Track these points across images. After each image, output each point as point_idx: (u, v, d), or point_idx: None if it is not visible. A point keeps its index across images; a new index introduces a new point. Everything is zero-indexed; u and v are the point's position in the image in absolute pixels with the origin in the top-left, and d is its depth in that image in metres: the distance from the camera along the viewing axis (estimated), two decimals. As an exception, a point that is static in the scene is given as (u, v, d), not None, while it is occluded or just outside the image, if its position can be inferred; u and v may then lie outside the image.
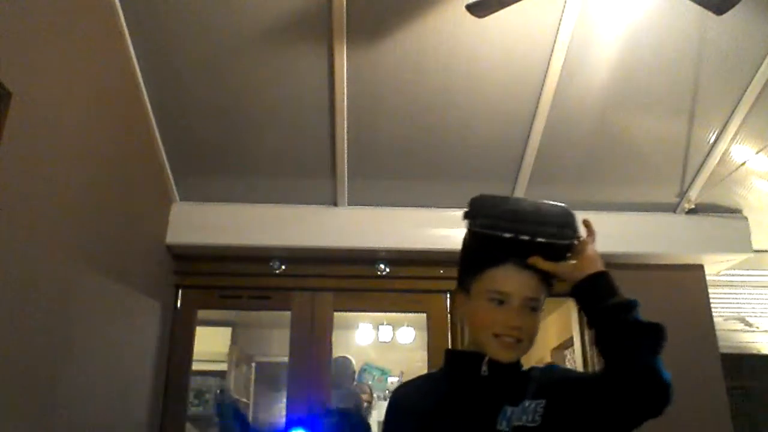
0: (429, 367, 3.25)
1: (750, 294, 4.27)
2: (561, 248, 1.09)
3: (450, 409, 1.09)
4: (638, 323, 0.95)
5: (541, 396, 1.04)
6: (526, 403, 1.03)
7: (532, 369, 1.14)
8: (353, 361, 4.65)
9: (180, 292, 3.20)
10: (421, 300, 3.32)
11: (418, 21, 2.37)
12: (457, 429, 1.06)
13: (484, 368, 1.09)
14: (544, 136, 2.83)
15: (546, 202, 1.18)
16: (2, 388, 1.61)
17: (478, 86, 2.64)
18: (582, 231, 1.14)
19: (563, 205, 1.17)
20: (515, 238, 1.07)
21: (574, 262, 1.07)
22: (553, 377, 1.09)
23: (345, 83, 2.57)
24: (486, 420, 1.03)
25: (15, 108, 1.58)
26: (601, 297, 1.00)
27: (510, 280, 1.08)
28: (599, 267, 1.04)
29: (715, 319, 3.25)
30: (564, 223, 1.12)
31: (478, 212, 1.13)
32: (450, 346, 3.24)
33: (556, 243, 1.08)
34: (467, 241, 1.19)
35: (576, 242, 1.10)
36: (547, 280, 1.11)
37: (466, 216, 1.16)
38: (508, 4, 1.99)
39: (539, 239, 1.07)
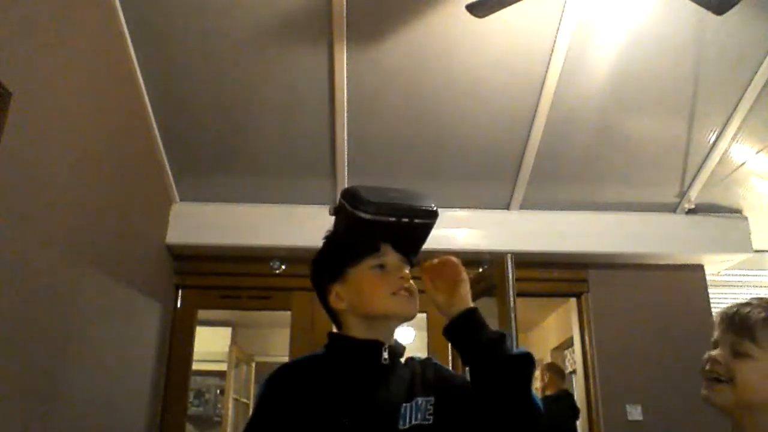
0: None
1: (750, 294, 4.27)
2: (425, 230, 1.21)
3: (348, 402, 1.05)
4: (510, 357, 1.03)
5: (429, 393, 1.09)
6: (419, 401, 1.07)
7: (411, 359, 1.19)
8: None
9: (180, 292, 3.21)
10: (421, 300, 3.31)
11: (418, 21, 2.37)
12: (360, 426, 1.03)
13: (385, 355, 1.11)
14: (544, 136, 2.83)
15: (407, 188, 1.25)
16: (2, 388, 1.61)
17: (478, 86, 2.64)
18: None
19: (420, 191, 1.26)
20: (398, 222, 1.16)
21: (449, 297, 1.17)
22: (437, 375, 1.15)
23: (345, 83, 2.57)
24: (389, 417, 1.04)
25: (15, 108, 1.58)
26: (474, 334, 1.08)
27: (388, 255, 1.15)
28: (469, 304, 1.13)
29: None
30: (428, 206, 1.21)
31: (358, 201, 1.16)
32: (450, 347, 3.24)
33: (429, 222, 1.20)
34: (340, 234, 1.22)
35: (432, 222, 1.22)
36: (412, 262, 1.21)
37: (339, 209, 1.20)
38: (508, 4, 1.99)
39: (417, 221, 1.18)
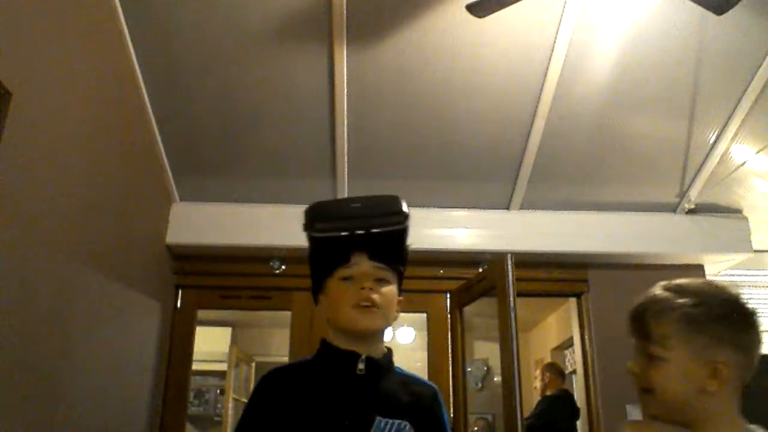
0: (429, 366, 3.25)
1: (750, 294, 4.27)
2: (395, 234, 1.18)
3: (322, 410, 1.08)
4: None
5: (410, 418, 1.09)
6: (400, 424, 1.07)
7: (399, 373, 1.19)
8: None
9: (180, 292, 3.21)
10: (421, 300, 3.32)
11: (418, 21, 2.37)
12: (325, 427, 1.06)
13: (361, 366, 1.11)
14: (544, 136, 2.83)
15: (374, 195, 1.23)
16: (2, 387, 1.61)
17: (479, 86, 2.64)
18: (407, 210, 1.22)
19: (390, 194, 1.23)
20: (352, 235, 1.15)
21: None
22: (423, 403, 1.15)
23: (345, 83, 2.57)
24: (358, 427, 1.05)
25: (15, 108, 1.58)
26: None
27: (355, 267, 1.14)
28: None
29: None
30: (392, 211, 1.19)
31: (314, 220, 1.19)
32: (450, 347, 3.24)
33: (388, 230, 1.17)
34: (311, 250, 1.23)
35: (406, 225, 1.20)
36: (394, 267, 1.19)
37: (304, 227, 1.21)
38: (508, 4, 1.99)
39: (373, 230, 1.16)
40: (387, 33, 2.41)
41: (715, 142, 2.91)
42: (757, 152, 2.91)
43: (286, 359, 3.22)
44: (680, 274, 3.44)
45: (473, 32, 2.41)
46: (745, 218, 3.26)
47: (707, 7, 1.91)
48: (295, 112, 2.74)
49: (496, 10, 2.03)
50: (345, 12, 2.31)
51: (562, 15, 2.36)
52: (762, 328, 0.96)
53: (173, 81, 2.59)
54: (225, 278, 3.24)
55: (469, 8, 2.03)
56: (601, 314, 3.24)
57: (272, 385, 1.15)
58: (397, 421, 1.07)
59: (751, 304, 0.96)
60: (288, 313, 3.26)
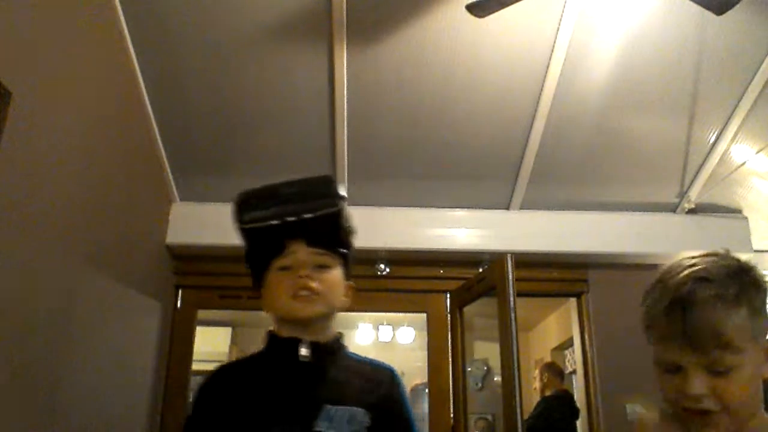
0: (429, 367, 3.25)
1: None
2: (331, 217, 1.13)
3: (266, 401, 1.03)
4: None
5: (365, 404, 1.04)
6: (354, 410, 1.02)
7: (355, 358, 1.14)
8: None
9: (180, 292, 3.21)
10: (421, 300, 3.32)
11: (418, 21, 2.37)
12: (271, 424, 1.00)
13: (304, 352, 1.07)
14: (544, 136, 2.83)
15: (306, 177, 1.18)
16: (2, 388, 1.61)
17: (478, 86, 2.64)
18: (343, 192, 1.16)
19: (324, 175, 1.19)
20: (284, 223, 1.10)
21: None
22: (380, 388, 1.09)
23: (345, 83, 2.57)
24: (304, 416, 1.00)
25: (15, 108, 1.58)
26: None
27: (292, 256, 1.10)
28: None
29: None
30: (325, 193, 1.14)
31: (243, 210, 1.12)
32: (450, 347, 3.24)
33: (321, 215, 1.11)
34: (245, 243, 1.17)
35: (341, 206, 1.14)
36: (337, 251, 1.14)
37: (234, 219, 1.15)
38: (508, 4, 1.99)
39: (305, 216, 1.10)
40: (387, 33, 2.41)
41: (715, 142, 2.91)
42: (757, 152, 2.91)
43: (286, 359, 3.22)
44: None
45: (473, 32, 2.41)
46: (745, 218, 3.26)
47: (707, 7, 1.91)
48: (295, 112, 2.74)
49: (496, 10, 2.03)
50: (345, 12, 2.31)
51: (562, 15, 2.36)
52: None
53: (173, 81, 2.59)
54: (225, 278, 3.23)
55: (469, 8, 2.03)
56: (601, 314, 3.24)
57: (214, 383, 1.12)
58: (348, 408, 1.01)
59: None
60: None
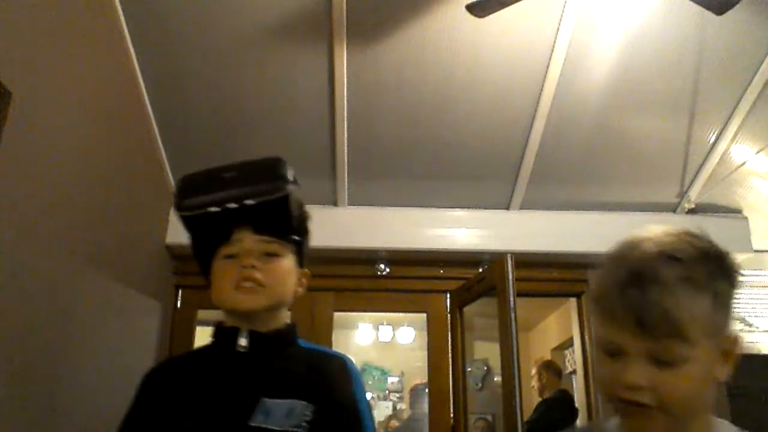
0: (429, 367, 3.25)
1: (750, 294, 4.27)
2: (279, 202, 1.05)
3: (202, 393, 0.98)
4: None
5: (310, 398, 0.95)
6: (294, 403, 0.94)
7: (307, 348, 1.07)
8: (353, 361, 4.65)
9: (180, 292, 3.21)
10: (421, 300, 3.32)
11: (418, 21, 2.37)
12: (205, 417, 0.95)
13: (243, 342, 1.01)
14: (544, 136, 2.83)
15: (251, 160, 1.10)
16: (2, 388, 1.61)
17: (479, 86, 2.64)
18: (291, 175, 1.08)
19: (271, 157, 1.10)
20: (225, 210, 1.03)
21: None
22: (327, 379, 1.00)
23: (345, 83, 2.57)
24: (240, 410, 0.93)
25: (15, 108, 1.58)
26: None
27: (238, 244, 1.03)
28: None
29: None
30: (271, 177, 1.05)
31: (182, 197, 1.07)
32: (450, 347, 3.24)
33: (266, 200, 1.03)
34: (187, 230, 1.11)
35: (289, 191, 1.05)
36: (288, 239, 1.07)
37: (173, 206, 1.09)
38: (508, 4, 1.99)
39: (247, 202, 1.03)
40: (387, 33, 2.41)
41: (715, 142, 2.91)
42: (757, 152, 2.91)
43: (286, 359, 3.23)
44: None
45: (473, 32, 2.41)
46: (745, 218, 3.26)
47: (707, 7, 1.91)
48: (295, 112, 2.74)
49: (496, 10, 2.03)
50: (345, 12, 2.31)
51: (562, 15, 2.36)
52: None
53: (173, 81, 2.59)
54: (225, 278, 3.24)
55: (469, 8, 2.03)
56: (601, 314, 3.24)
57: (155, 375, 1.09)
58: (287, 402, 0.94)
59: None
60: (288, 314, 3.25)
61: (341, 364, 1.05)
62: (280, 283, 1.05)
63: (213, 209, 1.03)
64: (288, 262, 1.07)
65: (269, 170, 1.06)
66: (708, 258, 0.74)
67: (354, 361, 1.05)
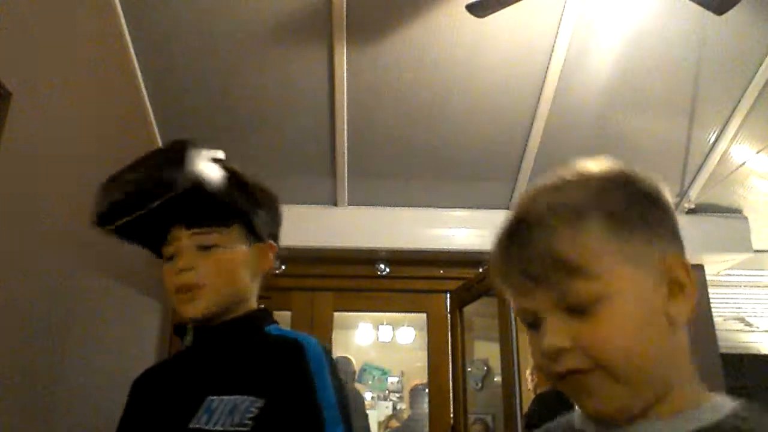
0: (429, 367, 3.25)
1: (750, 294, 4.27)
2: (194, 191, 0.91)
3: (157, 396, 0.95)
4: None
5: (259, 391, 0.84)
6: (239, 399, 0.84)
7: (271, 334, 0.96)
8: (353, 361, 4.66)
9: (180, 292, 3.20)
10: (421, 300, 3.32)
11: (419, 21, 2.37)
12: (151, 421, 0.91)
13: (188, 338, 0.96)
14: (544, 136, 2.83)
15: (153, 152, 1.00)
16: (2, 387, 1.61)
17: (479, 86, 2.64)
18: (208, 160, 0.96)
19: (175, 142, 0.97)
20: (124, 222, 0.94)
21: None
22: (280, 371, 0.87)
23: (345, 83, 2.58)
24: (185, 410, 0.86)
25: (15, 108, 1.58)
26: None
27: (175, 243, 0.95)
28: None
29: (715, 319, 3.26)
30: (178, 168, 0.91)
31: (96, 208, 0.98)
32: (450, 347, 3.24)
33: (187, 192, 0.90)
34: (125, 240, 1.05)
35: (201, 182, 0.91)
36: (227, 222, 0.96)
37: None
38: (508, 4, 1.99)
39: (150, 205, 0.90)
40: (387, 33, 2.41)
41: (715, 142, 2.91)
42: (757, 152, 2.91)
43: (286, 359, 3.23)
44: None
45: (473, 32, 2.41)
46: (745, 218, 3.26)
47: (707, 7, 1.91)
48: (294, 112, 2.74)
49: (496, 10, 2.03)
50: (345, 12, 2.31)
51: (562, 15, 2.36)
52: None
53: (173, 81, 2.59)
54: (225, 278, 3.24)
55: (469, 8, 2.03)
56: (601, 314, 3.24)
57: (138, 381, 1.07)
58: (231, 398, 0.84)
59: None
60: (288, 313, 3.26)
61: (297, 347, 0.89)
62: (224, 276, 0.94)
63: (122, 220, 0.95)
64: (233, 250, 0.96)
65: (174, 161, 0.92)
66: (589, 180, 0.64)
67: (319, 345, 0.91)
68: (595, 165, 0.68)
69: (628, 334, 0.55)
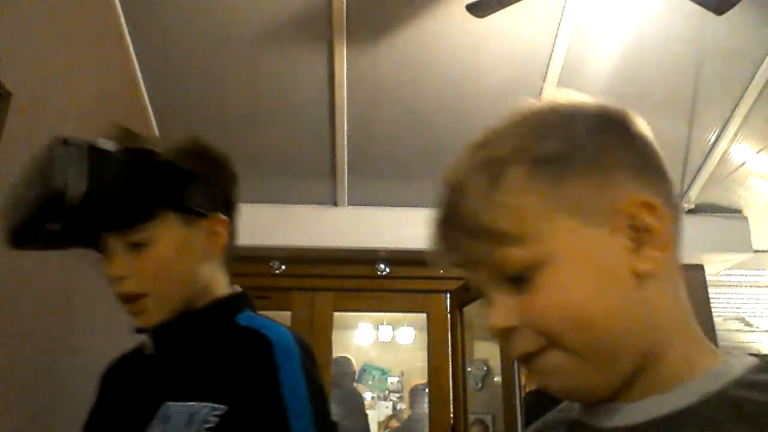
0: (429, 367, 3.25)
1: (750, 294, 4.27)
2: (101, 193, 0.80)
3: (117, 402, 0.89)
4: None
5: (223, 398, 0.75)
6: (195, 408, 0.75)
7: (240, 326, 0.84)
8: (353, 361, 4.66)
9: (180, 292, 3.20)
10: (421, 300, 3.32)
11: (419, 21, 2.37)
12: (111, 424, 0.86)
13: (148, 344, 0.88)
14: (544, 136, 2.83)
15: (32, 161, 0.89)
16: (2, 387, 1.61)
17: (478, 86, 2.64)
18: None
19: (49, 145, 0.85)
20: (19, 245, 0.84)
21: None
22: (245, 371, 0.77)
23: (345, 83, 2.58)
24: (141, 418, 0.79)
25: (15, 108, 1.58)
26: None
27: (108, 251, 0.86)
28: None
29: (715, 319, 3.26)
30: (47, 181, 0.79)
31: (4, 232, 0.86)
32: (450, 347, 3.24)
33: (91, 201, 0.78)
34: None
35: (93, 187, 0.79)
36: (153, 215, 0.84)
37: None
38: (508, 4, 1.99)
39: (53, 225, 0.81)
40: (387, 33, 2.41)
41: (715, 142, 2.91)
42: (757, 152, 2.91)
43: (286, 359, 3.23)
44: (680, 274, 3.41)
45: (473, 32, 2.41)
46: (745, 218, 3.26)
47: (707, 7, 1.91)
48: (295, 112, 2.74)
49: (497, 10, 2.03)
50: (345, 12, 2.31)
51: (562, 15, 2.36)
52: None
53: (173, 81, 2.59)
54: (225, 278, 3.24)
55: (469, 8, 2.03)
56: (601, 314, 3.24)
57: (106, 375, 1.01)
58: (190, 405, 0.76)
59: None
60: (288, 313, 3.26)
61: (263, 345, 0.78)
62: (164, 278, 0.84)
63: (37, 244, 0.86)
64: (167, 243, 0.84)
65: (45, 174, 0.82)
66: (522, 125, 0.54)
67: (292, 338, 0.81)
68: (538, 104, 0.57)
69: (576, 301, 0.46)
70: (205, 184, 0.91)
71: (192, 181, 0.89)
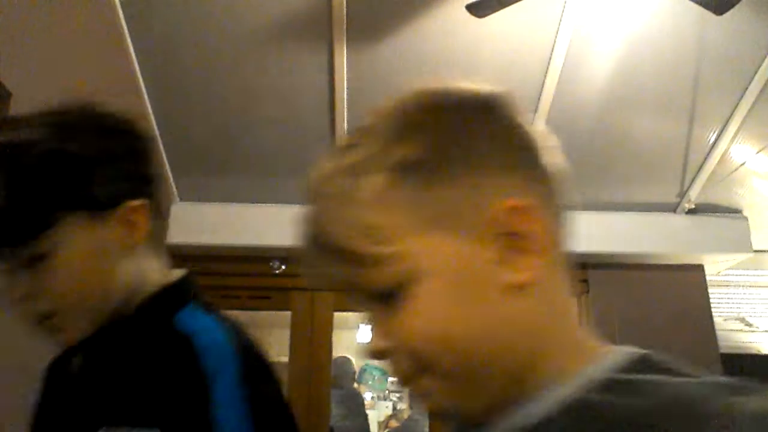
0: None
1: (750, 294, 4.28)
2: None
3: (56, 403, 0.79)
4: None
5: (153, 419, 0.64)
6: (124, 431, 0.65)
7: (180, 330, 0.71)
8: (353, 361, 4.65)
9: (180, 292, 3.20)
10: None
11: (419, 21, 2.37)
12: None
13: (77, 362, 0.75)
14: (544, 136, 2.83)
15: None
16: (2, 387, 1.61)
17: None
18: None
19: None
20: None
21: None
22: (171, 383, 0.66)
23: (345, 83, 2.58)
24: None
25: (15, 108, 1.58)
26: None
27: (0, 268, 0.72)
28: None
29: (715, 319, 3.25)
30: None
31: None
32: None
33: None
34: None
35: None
36: (44, 225, 0.68)
37: None
38: (508, 4, 1.99)
39: None
40: (387, 33, 2.42)
41: (715, 142, 2.91)
42: (757, 152, 2.91)
43: (285, 359, 3.23)
44: (680, 274, 3.41)
45: (473, 32, 2.41)
46: (745, 218, 3.26)
47: (707, 7, 1.92)
48: (295, 112, 2.74)
49: (497, 10, 2.03)
50: (345, 12, 2.31)
51: (562, 15, 2.36)
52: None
53: (173, 81, 2.59)
54: (224, 278, 3.24)
55: (469, 8, 2.03)
56: (601, 314, 3.24)
57: (49, 371, 0.88)
58: (128, 429, 0.65)
59: None
60: (288, 314, 3.26)
61: (190, 356, 0.66)
62: (74, 292, 0.70)
63: None
64: (70, 249, 0.69)
65: None
66: (375, 127, 0.49)
67: (228, 344, 0.70)
68: (405, 94, 0.51)
69: (437, 324, 0.42)
70: (109, 166, 0.74)
71: (90, 168, 0.72)
